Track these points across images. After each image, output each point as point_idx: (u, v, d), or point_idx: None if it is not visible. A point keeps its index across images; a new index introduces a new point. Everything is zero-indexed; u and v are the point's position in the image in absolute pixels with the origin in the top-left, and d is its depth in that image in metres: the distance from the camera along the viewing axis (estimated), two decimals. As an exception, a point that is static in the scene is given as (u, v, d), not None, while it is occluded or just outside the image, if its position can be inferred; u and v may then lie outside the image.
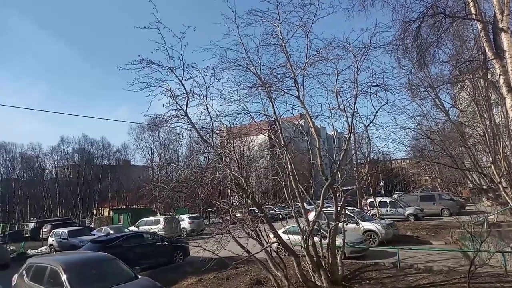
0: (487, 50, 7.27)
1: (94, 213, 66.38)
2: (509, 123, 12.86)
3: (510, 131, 15.11)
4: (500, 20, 6.65)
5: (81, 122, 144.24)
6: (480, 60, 9.70)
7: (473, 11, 7.54)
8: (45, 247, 25.42)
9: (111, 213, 50.45)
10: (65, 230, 24.58)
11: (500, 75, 6.86)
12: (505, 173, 15.65)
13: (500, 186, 15.85)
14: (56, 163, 72.70)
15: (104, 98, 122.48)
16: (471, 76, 14.95)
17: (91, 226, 40.93)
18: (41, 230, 31.35)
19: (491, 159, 16.54)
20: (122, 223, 36.99)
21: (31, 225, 37.89)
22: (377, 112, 10.65)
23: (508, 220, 15.81)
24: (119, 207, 57.31)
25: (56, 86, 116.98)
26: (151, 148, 60.65)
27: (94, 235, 23.91)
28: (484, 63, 8.76)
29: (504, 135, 16.33)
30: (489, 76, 13.32)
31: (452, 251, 13.90)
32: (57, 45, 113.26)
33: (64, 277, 7.93)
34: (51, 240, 24.82)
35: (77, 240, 21.81)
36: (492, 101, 16.76)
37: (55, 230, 25.69)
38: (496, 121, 16.88)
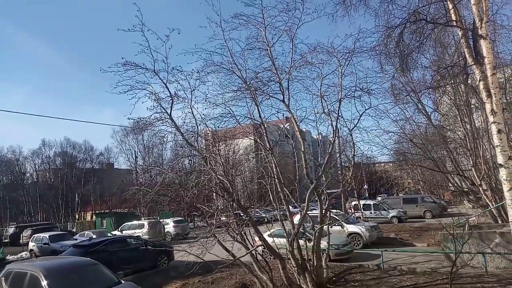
0: (467, 56, 7.44)
1: (76, 217, 65.05)
2: (489, 127, 13.15)
3: (490, 135, 15.45)
4: (479, 27, 6.82)
5: (63, 125, 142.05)
6: (460, 66, 9.93)
7: (453, 18, 7.71)
8: (25, 252, 24.84)
9: (94, 217, 49.59)
10: (46, 234, 24.07)
11: (480, 80, 7.02)
12: (485, 176, 16.03)
13: (480, 188, 16.22)
14: (37, 166, 71.05)
15: (88, 101, 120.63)
16: (452, 81, 15.29)
17: (73, 230, 40.14)
18: (21, 235, 30.61)
19: (471, 162, 16.92)
20: (105, 227, 36.41)
21: (11, 230, 36.94)
22: (361, 116, 10.81)
23: (489, 222, 16.18)
24: (102, 211, 56.37)
25: (38, 88, 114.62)
26: (135, 151, 59.97)
27: (76, 239, 23.47)
28: (465, 69, 8.98)
29: (484, 139, 16.72)
30: (469, 81, 13.63)
31: (435, 253, 14.13)
32: (40, 47, 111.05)
33: (44, 283, 7.75)
34: (31, 245, 24.28)
35: (59, 245, 21.38)
36: (472, 106, 17.15)
37: (35, 235, 25.14)
38: (477, 125, 17.29)
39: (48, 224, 40.28)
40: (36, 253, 23.04)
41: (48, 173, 71.26)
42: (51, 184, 69.03)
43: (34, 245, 23.90)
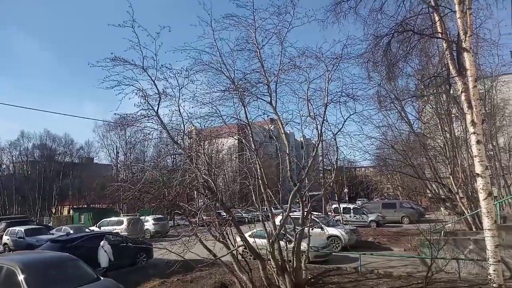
0: (450, 67, 7.67)
1: (53, 211, 63.68)
2: (468, 137, 13.55)
3: (468, 145, 15.89)
4: (463, 40, 7.05)
5: (44, 118, 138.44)
6: (444, 76, 10.19)
7: (439, 30, 7.94)
8: (-1, 246, 24.22)
9: (72, 212, 48.73)
10: (21, 228, 23.45)
11: (462, 92, 7.26)
12: (462, 184, 16.46)
13: (457, 196, 16.66)
14: (14, 158, 69.26)
15: (69, 95, 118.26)
16: (435, 91, 15.67)
17: (49, 225, 39.29)
18: (-5, 228, 29.81)
19: (450, 170, 17.36)
20: (82, 223, 35.86)
21: (-16, 222, 35.91)
22: (345, 121, 10.96)
23: (464, 228, 16.59)
24: (80, 206, 55.39)
25: (18, 80, 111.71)
26: (116, 146, 58.97)
27: (52, 234, 23.01)
28: (448, 80, 9.23)
29: (463, 148, 17.18)
30: (451, 92, 14.00)
31: (411, 258, 14.43)
32: (21, 38, 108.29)
33: (21, 277, 7.55)
34: (5, 238, 23.64)
35: (35, 239, 20.87)
36: (453, 115, 17.61)
37: (10, 228, 24.48)
38: (456, 134, 17.75)
39: (23, 217, 39.29)
40: (11, 247, 22.48)
41: (25, 165, 69.45)
42: (28, 176, 67.27)
43: (8, 239, 23.29)
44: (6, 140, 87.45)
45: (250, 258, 12.00)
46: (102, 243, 13.84)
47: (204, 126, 11.68)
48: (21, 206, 64.43)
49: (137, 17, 8.32)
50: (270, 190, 11.15)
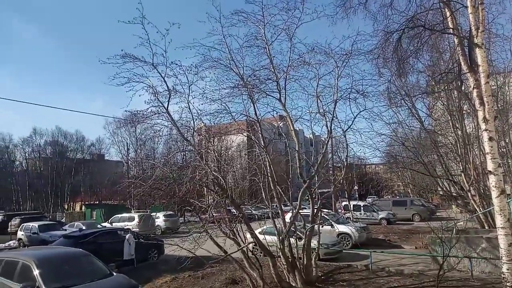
0: (462, 63, 7.57)
1: (66, 207, 64.61)
2: (480, 134, 13.38)
3: (480, 142, 15.69)
4: (475, 36, 6.95)
5: (55, 114, 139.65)
6: (455, 72, 10.08)
7: (450, 25, 7.84)
8: (14, 241, 24.57)
9: (84, 208, 49.31)
10: (35, 224, 23.83)
11: (473, 88, 7.16)
12: (474, 182, 16.26)
13: (469, 194, 16.46)
14: (27, 154, 70.45)
15: (80, 90, 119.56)
16: (446, 87, 15.47)
17: (62, 221, 39.84)
18: (10, 224, 30.25)
19: (461, 167, 17.15)
20: (94, 219, 36.23)
21: (-1, 217, 36.56)
22: (355, 117, 10.93)
23: (476, 226, 16.41)
24: (92, 202, 56.06)
25: (28, 75, 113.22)
26: (127, 143, 59.47)
27: (65, 230, 23.31)
28: (459, 76, 9.12)
29: (475, 145, 16.95)
30: (463, 88, 13.82)
31: (422, 256, 14.32)
32: (33, 34, 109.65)
33: (36, 272, 7.74)
34: (20, 234, 24.05)
35: (48, 235, 21.22)
36: (464, 112, 17.38)
37: (24, 224, 24.87)
38: (468, 131, 17.51)
39: (37, 213, 39.90)
40: (25, 243, 22.84)
41: (38, 161, 70.59)
42: (40, 173, 68.43)
43: (23, 234, 23.69)
44: (19, 137, 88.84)
45: (260, 255, 12.05)
46: (127, 236, 14.32)
47: (214, 123, 11.74)
48: (34, 202, 65.59)
49: (147, 14, 8.37)
50: (280, 187, 11.17)
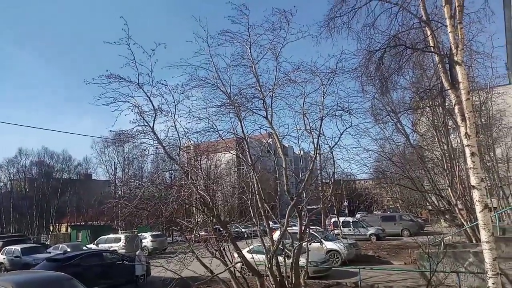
0: (443, 80, 7.72)
1: (51, 229, 63.09)
2: (463, 149, 13.59)
3: (465, 156, 15.92)
4: (455, 54, 7.10)
5: (41, 134, 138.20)
6: (438, 89, 10.27)
7: (431, 43, 8.02)
8: (-5, 265, 23.90)
9: (69, 229, 48.30)
10: (18, 247, 23.24)
11: (455, 104, 7.28)
12: (460, 196, 16.41)
13: (456, 208, 16.59)
14: (12, 175, 69.06)
15: (67, 111, 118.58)
16: (430, 103, 15.74)
17: (47, 243, 38.92)
18: (-9, 247, 29.48)
19: (448, 182, 17.32)
20: (80, 240, 35.50)
21: (-20, 241, 35.51)
22: (341, 134, 10.99)
23: (463, 240, 16.49)
24: (78, 223, 54.93)
25: (14, 95, 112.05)
26: (114, 162, 58.84)
27: (50, 253, 22.75)
28: (442, 92, 9.30)
29: (460, 159, 17.16)
30: (446, 104, 14.08)
31: (411, 271, 14.30)
32: (19, 53, 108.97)
33: (15, 298, 7.49)
34: (1, 258, 23.43)
35: (31, 258, 20.69)
36: (449, 127, 17.65)
37: (6, 248, 24.24)
38: (453, 145, 17.76)
39: (20, 235, 38.94)
40: (7, 267, 22.24)
41: (23, 182, 69.27)
42: (25, 194, 67.04)
43: (4, 258, 23.05)
44: (3, 158, 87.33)
45: (248, 275, 11.86)
46: (138, 252, 15.31)
47: (201, 141, 11.69)
48: (18, 224, 63.98)
49: (133, 35, 8.40)
50: (268, 204, 11.09)
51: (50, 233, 56.10)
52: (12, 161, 67.85)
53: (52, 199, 65.18)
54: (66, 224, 61.38)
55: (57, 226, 65.32)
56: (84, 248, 24.55)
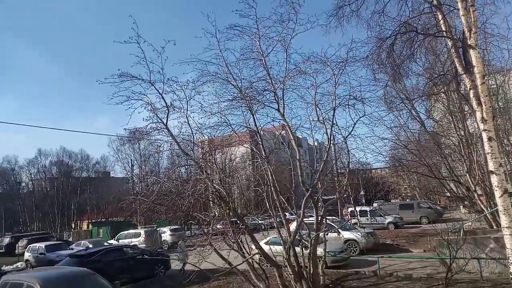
0: (457, 65, 7.57)
1: (73, 226, 64.63)
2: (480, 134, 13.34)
3: (482, 142, 15.63)
4: (468, 38, 6.96)
5: (59, 134, 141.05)
6: (452, 74, 10.08)
7: (443, 28, 7.86)
8: (21, 262, 24.64)
9: (90, 226, 49.39)
10: (42, 244, 23.95)
11: (470, 89, 7.15)
12: (479, 182, 16.15)
13: (475, 194, 16.35)
14: (33, 176, 70.90)
15: (83, 110, 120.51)
16: (445, 89, 15.45)
17: (69, 240, 39.88)
18: (17, 245, 30.39)
19: (466, 168, 17.05)
20: (101, 236, 36.24)
21: (6, 240, 36.60)
22: (355, 124, 10.92)
23: (483, 227, 16.27)
24: (98, 220, 56.09)
25: (30, 97, 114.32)
26: (131, 160, 59.54)
27: (72, 249, 23.34)
28: (456, 77, 9.13)
29: (478, 145, 16.85)
30: (461, 89, 13.81)
31: (430, 259, 14.20)
32: (33, 56, 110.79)
33: (40, 293, 7.75)
34: (27, 255, 24.12)
35: (55, 255, 21.29)
36: (466, 112, 17.31)
37: (31, 245, 25.00)
38: (470, 131, 17.45)
39: (44, 233, 40.08)
40: (32, 264, 22.88)
41: (44, 182, 71.02)
42: (47, 193, 68.72)
43: (30, 255, 23.75)
44: (24, 159, 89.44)
45: (267, 266, 11.98)
46: (179, 243, 16.38)
47: (214, 136, 11.78)
48: (41, 223, 65.79)
49: (142, 33, 8.47)
50: (284, 196, 11.13)
51: (72, 230, 57.46)
52: (32, 161, 69.65)
53: (72, 197, 66.73)
54: (87, 221, 62.77)
55: (78, 223, 66.86)
56: (105, 244, 25.06)
